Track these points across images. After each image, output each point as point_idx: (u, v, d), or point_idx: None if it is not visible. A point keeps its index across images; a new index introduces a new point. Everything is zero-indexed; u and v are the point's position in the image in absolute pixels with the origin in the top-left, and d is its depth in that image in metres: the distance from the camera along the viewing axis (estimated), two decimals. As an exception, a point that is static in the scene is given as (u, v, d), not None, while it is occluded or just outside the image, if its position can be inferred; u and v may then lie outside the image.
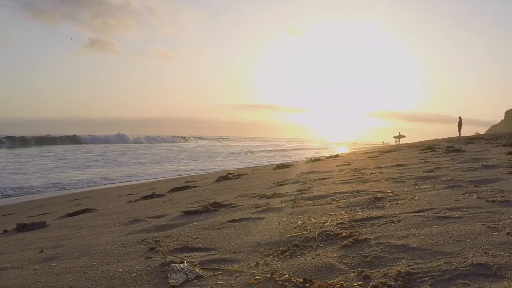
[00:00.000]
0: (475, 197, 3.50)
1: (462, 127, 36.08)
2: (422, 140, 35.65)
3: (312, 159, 14.79)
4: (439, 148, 12.28)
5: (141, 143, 62.95)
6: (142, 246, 2.90)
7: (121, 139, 63.52)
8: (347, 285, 1.87)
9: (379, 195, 4.03)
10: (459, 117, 36.76)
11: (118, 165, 24.28)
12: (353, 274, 1.97)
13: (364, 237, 2.51)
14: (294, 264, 2.19)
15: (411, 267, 1.97)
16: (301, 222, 3.10)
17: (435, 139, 30.85)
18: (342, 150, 39.41)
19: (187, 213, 4.21)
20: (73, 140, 57.24)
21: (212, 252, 2.57)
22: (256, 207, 4.03)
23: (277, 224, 3.16)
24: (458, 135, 33.90)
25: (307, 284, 1.92)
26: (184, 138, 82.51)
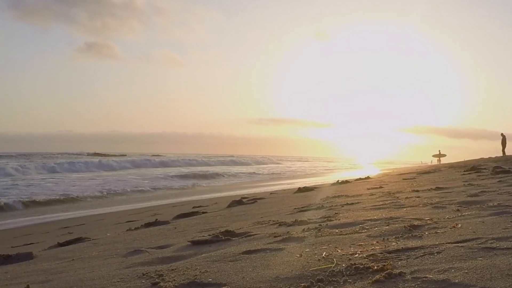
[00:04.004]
0: (528, 225, 3.46)
1: (506, 145, 35.96)
2: (465, 159, 35.44)
3: (339, 181, 14.75)
4: (485, 168, 12.16)
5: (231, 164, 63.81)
6: (144, 281, 2.92)
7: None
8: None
9: (416, 222, 4.01)
10: (502, 134, 36.64)
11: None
12: (386, 314, 1.97)
13: (399, 271, 2.51)
14: (317, 302, 2.20)
15: (454, 305, 1.97)
16: (326, 254, 3.11)
17: (481, 158, 30.58)
18: (374, 170, 39.17)
19: (195, 243, 4.23)
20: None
21: None
22: (275, 236, 4.04)
23: (298, 255, 3.17)
24: (502, 155, 33.54)
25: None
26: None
